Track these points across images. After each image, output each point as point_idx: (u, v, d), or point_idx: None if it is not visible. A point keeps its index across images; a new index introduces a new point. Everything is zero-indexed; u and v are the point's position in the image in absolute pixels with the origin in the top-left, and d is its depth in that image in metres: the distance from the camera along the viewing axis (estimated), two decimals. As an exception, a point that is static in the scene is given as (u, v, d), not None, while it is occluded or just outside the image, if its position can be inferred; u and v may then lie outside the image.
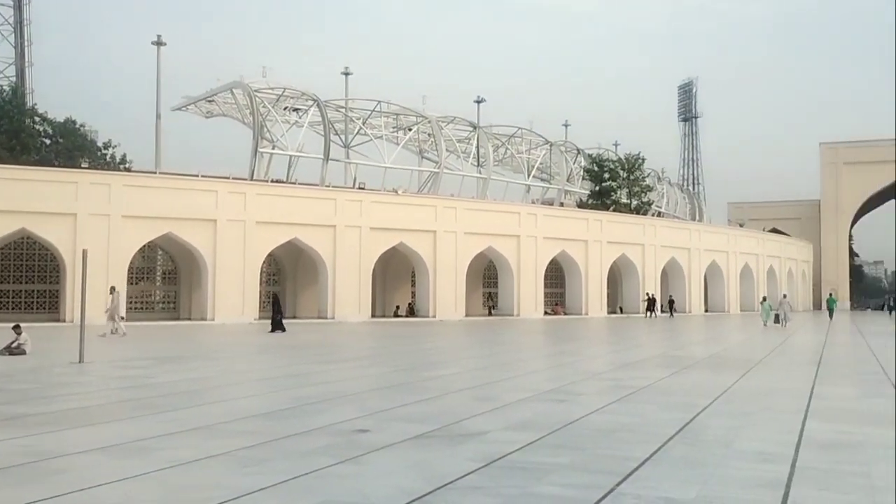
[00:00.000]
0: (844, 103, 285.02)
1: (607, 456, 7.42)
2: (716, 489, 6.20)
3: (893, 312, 49.68)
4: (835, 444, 8.09)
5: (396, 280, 47.68)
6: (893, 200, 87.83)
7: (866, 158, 76.26)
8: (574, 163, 61.43)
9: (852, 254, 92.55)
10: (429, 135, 52.64)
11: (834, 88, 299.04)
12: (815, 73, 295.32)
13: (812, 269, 75.52)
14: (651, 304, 46.35)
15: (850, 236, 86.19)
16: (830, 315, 49.27)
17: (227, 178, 39.42)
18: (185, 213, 34.62)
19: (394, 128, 52.86)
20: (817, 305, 73.91)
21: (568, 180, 58.74)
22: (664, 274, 52.89)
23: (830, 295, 61.67)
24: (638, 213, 56.44)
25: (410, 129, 51.95)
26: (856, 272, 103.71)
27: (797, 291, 68.11)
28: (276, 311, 28.81)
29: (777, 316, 34.10)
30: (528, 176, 54.72)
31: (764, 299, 36.66)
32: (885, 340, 27.02)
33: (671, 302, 48.22)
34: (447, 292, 41.06)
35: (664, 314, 47.54)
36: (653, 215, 59.64)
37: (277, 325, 28.02)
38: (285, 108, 47.81)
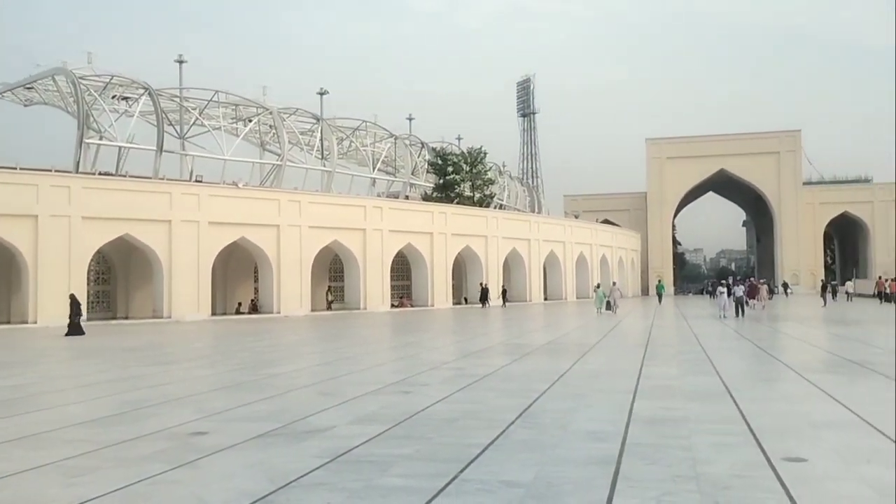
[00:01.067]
0: (669, 101, 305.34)
1: (451, 444, 7.53)
2: (552, 469, 6.44)
3: (712, 297, 53.70)
4: (661, 420, 8.63)
5: (238, 276, 46.25)
6: (711, 192, 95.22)
7: (687, 153, 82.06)
8: (418, 156, 62.00)
9: (675, 242, 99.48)
10: (270, 126, 51.30)
11: (662, 87, 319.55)
12: (644, 72, 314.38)
13: (640, 257, 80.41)
14: (484, 294, 47.52)
15: (674, 226, 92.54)
16: (660, 300, 53.62)
17: (50, 170, 36.57)
18: (1, 208, 31.87)
19: (233, 119, 51.10)
20: (645, 291, 78.87)
21: (413, 173, 59.20)
22: (506, 264, 54.54)
23: (659, 281, 66.55)
24: (481, 205, 57.83)
25: (251, 121, 50.43)
26: (679, 259, 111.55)
27: (627, 278, 72.33)
28: (73, 313, 26.03)
29: (608, 303, 35.41)
30: (373, 169, 54.67)
31: (597, 287, 38.11)
32: (704, 322, 29.25)
33: (504, 291, 49.55)
34: (292, 287, 40.30)
35: (497, 304, 48.91)
36: (495, 208, 61.26)
37: (75, 329, 25.47)
38: (114, 97, 44.98)
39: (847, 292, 53.88)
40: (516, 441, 7.63)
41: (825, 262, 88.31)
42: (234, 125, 51.02)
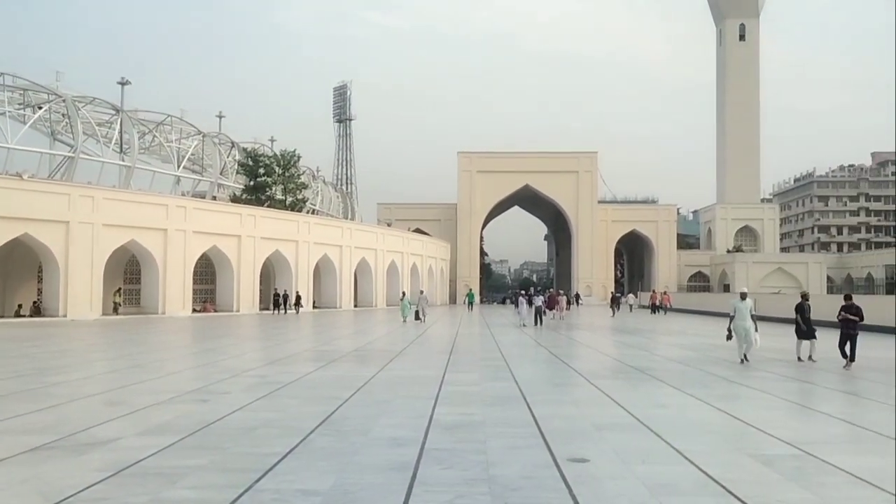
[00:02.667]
0: (482, 116, 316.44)
1: (248, 454, 7.31)
2: (351, 477, 6.42)
3: (515, 306, 56.12)
4: (459, 425, 8.87)
5: (20, 276, 42.25)
6: (517, 206, 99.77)
7: (496, 168, 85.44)
8: (228, 156, 59.90)
9: (483, 253, 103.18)
10: (63, 115, 47.47)
11: (477, 102, 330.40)
12: (460, 86, 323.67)
13: (449, 266, 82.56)
14: (277, 299, 46.44)
15: (482, 237, 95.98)
16: (470, 308, 57.11)
17: None
18: None
19: (20, 104, 46.77)
20: (453, 300, 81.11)
21: (221, 173, 57.08)
22: (317, 270, 53.92)
23: (470, 291, 68.98)
24: (293, 209, 56.80)
25: (41, 108, 46.38)
26: (486, 269, 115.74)
27: (437, 287, 74.03)
28: None
29: (416, 312, 35.45)
30: (178, 167, 52.03)
31: (403, 295, 38.01)
32: (506, 330, 30.51)
33: (298, 298, 48.10)
34: (81, 289, 37.30)
35: (309, 309, 48.07)
36: (307, 212, 60.48)
37: None
38: None
39: (629, 304, 58.44)
40: (316, 449, 7.54)
41: (616, 275, 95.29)
42: (22, 111, 46.71)
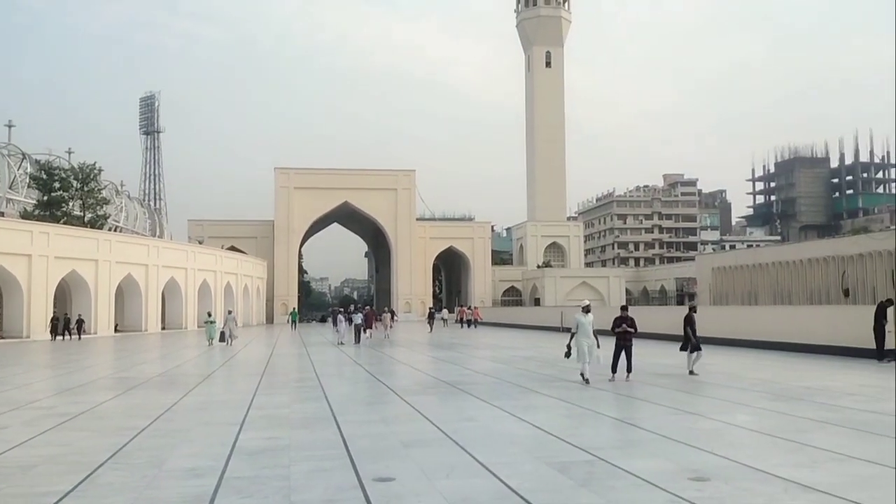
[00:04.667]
0: (299, 134, 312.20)
1: (21, 494, 6.63)
2: (137, 514, 5.96)
3: (334, 324, 55.48)
4: (263, 450, 8.54)
5: None
6: (336, 223, 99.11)
7: (315, 185, 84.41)
8: (19, 168, 55.02)
9: (302, 271, 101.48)
10: None
11: (291, 119, 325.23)
12: (275, 104, 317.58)
13: (266, 284, 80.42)
14: (56, 324, 41.82)
15: (300, 255, 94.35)
16: (294, 326, 58.06)
17: None
18: None
19: None
20: (270, 319, 79.02)
21: (11, 187, 52.30)
22: (120, 290, 50.56)
23: (293, 309, 67.98)
24: (93, 226, 52.98)
25: None
26: (304, 287, 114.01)
27: (252, 306, 71.80)
28: None
29: (223, 333, 32.37)
30: (-42, 179, 47.11)
31: (209, 316, 35.06)
32: (323, 349, 30.10)
33: (80, 322, 43.69)
34: None
35: (108, 334, 43.56)
36: (110, 229, 56.61)
37: None
38: None
39: (443, 319, 59.88)
40: (103, 485, 6.97)
41: (434, 291, 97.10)
42: None
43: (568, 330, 16.50)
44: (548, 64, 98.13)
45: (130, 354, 28.98)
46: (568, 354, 15.36)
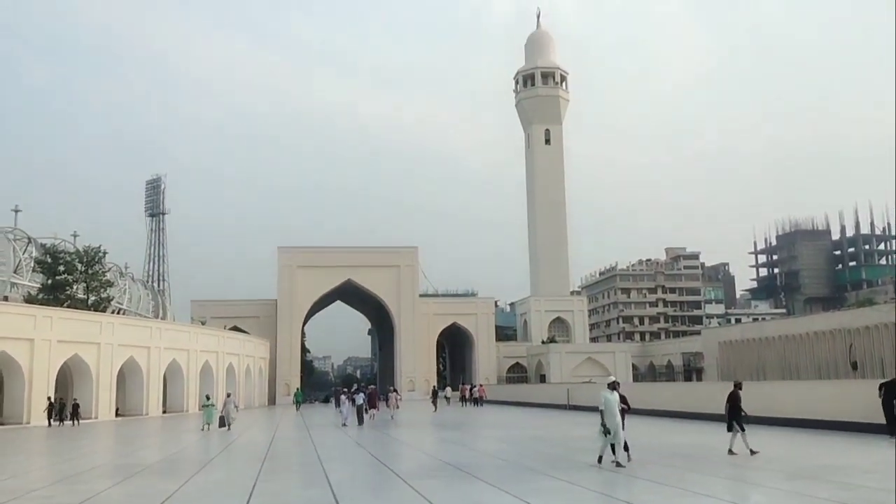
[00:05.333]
0: (301, 212, 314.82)
1: None
2: None
3: (337, 405, 54.80)
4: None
5: None
6: (339, 301, 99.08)
7: (317, 263, 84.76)
8: (24, 252, 55.36)
9: (305, 350, 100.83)
10: None
11: (293, 198, 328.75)
12: (277, 183, 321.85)
13: (269, 365, 79.78)
14: (52, 409, 40.55)
15: (303, 333, 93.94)
16: (297, 407, 57.84)
17: None
18: None
19: None
20: (273, 400, 78.08)
21: (16, 271, 52.53)
22: (122, 374, 50.17)
23: (297, 390, 67.41)
24: (97, 309, 52.94)
25: None
26: (307, 367, 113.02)
27: (255, 387, 71.04)
28: None
29: (222, 418, 31.12)
30: (-36, 264, 47.34)
31: (207, 399, 33.62)
32: (326, 431, 29.64)
33: (75, 406, 42.35)
34: None
35: (69, 421, 41.56)
36: (113, 312, 56.58)
37: None
38: None
39: (446, 397, 59.17)
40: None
41: (438, 368, 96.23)
42: None
43: (575, 408, 16.33)
44: (547, 141, 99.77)
45: (130, 440, 28.55)
46: (606, 432, 14.08)
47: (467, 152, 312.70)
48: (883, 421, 19.34)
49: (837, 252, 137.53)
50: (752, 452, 15.46)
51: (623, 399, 15.10)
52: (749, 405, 27.03)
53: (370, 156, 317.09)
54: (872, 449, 16.72)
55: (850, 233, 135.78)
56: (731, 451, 15.81)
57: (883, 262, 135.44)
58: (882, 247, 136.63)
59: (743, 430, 15.82)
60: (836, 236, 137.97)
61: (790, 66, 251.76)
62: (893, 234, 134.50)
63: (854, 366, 50.40)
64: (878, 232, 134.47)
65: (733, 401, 16.13)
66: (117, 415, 48.28)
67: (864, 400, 19.53)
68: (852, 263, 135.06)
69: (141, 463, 18.34)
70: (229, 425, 30.86)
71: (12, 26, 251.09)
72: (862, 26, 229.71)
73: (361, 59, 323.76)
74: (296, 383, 79.61)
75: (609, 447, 14.17)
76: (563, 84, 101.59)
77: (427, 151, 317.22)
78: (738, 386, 16.70)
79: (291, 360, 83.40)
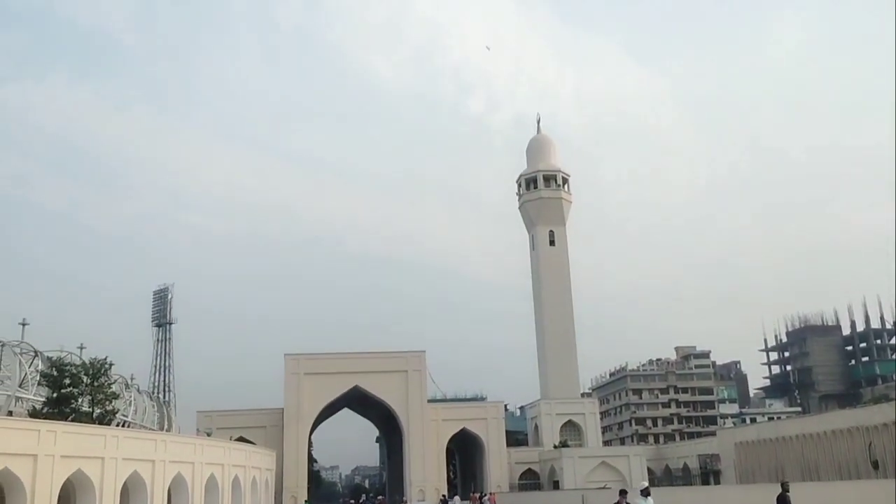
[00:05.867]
0: (307, 321, 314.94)
1: None
2: None
3: None
4: None
5: None
6: (346, 409, 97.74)
7: (324, 370, 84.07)
8: (30, 366, 55.13)
9: (312, 459, 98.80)
10: None
11: (300, 307, 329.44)
12: (283, 292, 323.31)
13: (275, 476, 77.96)
14: None
15: (310, 443, 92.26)
16: None
17: None
18: None
19: None
20: (278, 513, 76.00)
21: (21, 385, 52.13)
22: (125, 489, 49.02)
23: (305, 501, 66.18)
24: (101, 422, 52.25)
25: None
26: (315, 477, 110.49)
27: (261, 500, 69.18)
28: None
29: None
30: (-30, 379, 47.09)
31: None
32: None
33: None
34: None
35: None
36: (118, 425, 55.80)
37: None
38: None
39: (455, 505, 57.62)
40: None
41: (448, 476, 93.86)
42: None
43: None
44: (552, 243, 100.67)
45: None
46: None
47: (472, 258, 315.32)
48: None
49: (849, 347, 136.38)
50: None
51: None
52: (770, 510, 26.25)
53: (372, 264, 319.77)
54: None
55: (860, 327, 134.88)
56: None
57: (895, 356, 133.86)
58: (893, 341, 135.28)
59: None
60: (846, 331, 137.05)
61: (791, 167, 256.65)
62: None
63: (875, 465, 49.05)
64: (888, 326, 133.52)
65: (783, 502, 15.30)
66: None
67: (885, 499, 18.97)
68: (865, 359, 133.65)
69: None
70: None
71: (23, 144, 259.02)
72: (859, 114, 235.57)
73: (363, 167, 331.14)
74: (303, 495, 77.66)
75: None
76: (566, 186, 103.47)
77: (432, 258, 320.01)
78: (785, 487, 15.92)
79: (298, 471, 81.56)
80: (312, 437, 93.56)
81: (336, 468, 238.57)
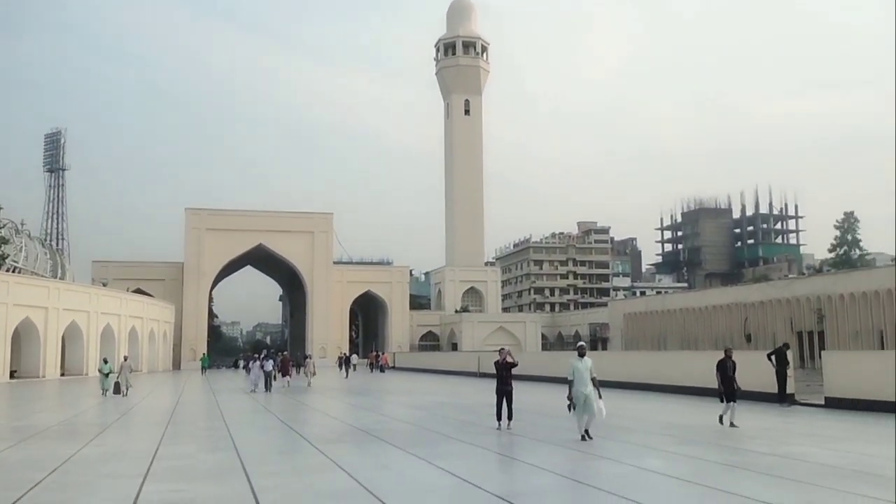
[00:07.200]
0: (212, 177, 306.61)
1: None
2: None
3: (246, 371, 53.88)
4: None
5: None
6: (249, 266, 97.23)
7: (227, 226, 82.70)
8: None
9: (212, 315, 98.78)
10: None
11: (203, 162, 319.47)
12: (187, 146, 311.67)
13: (174, 329, 77.74)
14: None
15: (211, 298, 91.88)
16: (203, 372, 57.90)
17: None
18: None
19: None
20: (177, 365, 76.25)
21: None
22: (17, 335, 47.97)
23: (204, 355, 66.48)
24: (-10, 267, 50.29)
25: None
26: (214, 332, 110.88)
27: (159, 352, 69.22)
28: None
29: (117, 384, 28.68)
30: None
31: (105, 362, 30.39)
32: (234, 397, 29.22)
33: None
34: None
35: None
36: (8, 270, 53.87)
37: None
38: None
39: (353, 364, 59.12)
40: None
41: (351, 336, 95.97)
42: None
43: (485, 375, 16.24)
44: (467, 112, 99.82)
45: (25, 402, 27.42)
46: (571, 408, 13.01)
47: (387, 122, 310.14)
48: (775, 390, 20.43)
49: (738, 230, 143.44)
50: (733, 425, 14.62)
51: (510, 366, 15.04)
52: (649, 373, 28.11)
53: (282, 122, 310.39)
54: (763, 416, 17.61)
55: (749, 212, 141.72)
56: (732, 424, 14.69)
57: (779, 240, 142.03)
58: (779, 226, 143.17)
59: (734, 399, 14.77)
60: (737, 215, 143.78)
61: (708, 56, 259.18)
62: (791, 214, 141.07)
63: (748, 338, 52.95)
64: (775, 212, 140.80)
65: (723, 370, 15.12)
66: (12, 377, 46.30)
67: (756, 370, 20.51)
68: (751, 241, 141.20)
69: (37, 426, 17.65)
70: (126, 391, 28.70)
71: None
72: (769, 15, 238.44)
73: (282, 26, 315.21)
74: (202, 348, 78.00)
75: (583, 418, 12.92)
76: (485, 55, 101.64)
77: (346, 120, 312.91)
78: (728, 354, 15.44)
79: (198, 325, 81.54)
80: (213, 292, 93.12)
81: (237, 324, 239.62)
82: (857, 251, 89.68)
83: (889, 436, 13.54)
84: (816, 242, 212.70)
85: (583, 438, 12.80)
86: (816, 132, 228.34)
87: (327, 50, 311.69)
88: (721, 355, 15.76)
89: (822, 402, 19.69)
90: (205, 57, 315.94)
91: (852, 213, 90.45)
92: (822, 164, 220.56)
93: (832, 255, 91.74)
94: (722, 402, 15.11)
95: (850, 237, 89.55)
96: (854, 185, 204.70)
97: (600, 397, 12.91)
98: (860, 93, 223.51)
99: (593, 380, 12.94)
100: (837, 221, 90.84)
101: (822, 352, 25.95)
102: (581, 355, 13.15)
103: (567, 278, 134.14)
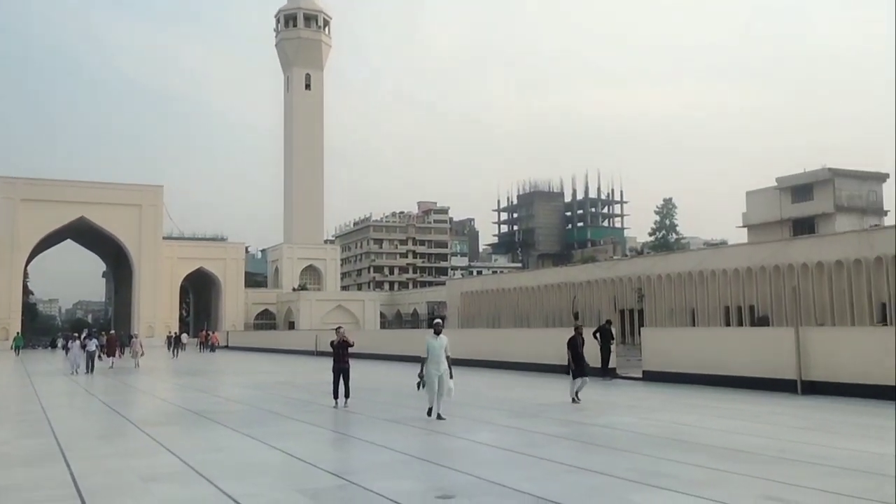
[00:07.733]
0: (26, 146, 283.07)
1: None
2: None
3: (66, 351, 50.44)
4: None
5: None
6: (70, 240, 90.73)
7: (45, 197, 76.55)
8: None
9: (27, 291, 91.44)
10: None
11: (18, 124, 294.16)
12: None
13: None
14: None
15: (26, 273, 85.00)
16: (17, 353, 55.08)
17: None
18: None
19: None
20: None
21: None
22: None
23: (18, 334, 61.84)
24: None
25: None
26: (30, 310, 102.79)
27: (-36, 331, 63.43)
28: None
29: None
30: None
31: None
32: (52, 379, 27.32)
33: None
34: None
35: None
36: None
37: None
38: None
39: (184, 343, 56.96)
40: None
41: (181, 314, 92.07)
42: None
43: (322, 353, 16.15)
44: (307, 86, 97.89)
45: None
46: (420, 385, 12.84)
47: (224, 92, 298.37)
48: (600, 365, 21.71)
49: (569, 213, 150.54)
50: (574, 401, 15.04)
51: (344, 343, 14.94)
52: (484, 350, 29.04)
53: (110, 85, 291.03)
54: (588, 390, 18.65)
55: (580, 196, 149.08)
56: (576, 399, 15.14)
57: (605, 223, 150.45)
58: (606, 210, 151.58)
59: (584, 375, 15.16)
60: (568, 199, 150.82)
61: (543, 44, 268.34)
62: (616, 199, 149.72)
63: (576, 316, 55.80)
64: (603, 196, 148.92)
65: (575, 346, 15.38)
66: None
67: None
68: (580, 224, 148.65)
69: None
70: None
71: None
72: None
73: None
74: (16, 327, 72.17)
75: (436, 397, 12.76)
76: (327, 29, 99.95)
77: (175, 86, 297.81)
78: (577, 330, 15.74)
79: (11, 303, 75.22)
80: (29, 267, 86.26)
81: (55, 302, 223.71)
82: (674, 235, 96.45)
83: (698, 406, 14.79)
84: (639, 226, 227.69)
85: (438, 418, 12.60)
86: (641, 123, 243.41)
87: (158, 9, 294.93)
88: (572, 332, 16.11)
89: (640, 376, 21.13)
90: (22, 10, 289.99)
91: (671, 199, 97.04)
92: (643, 154, 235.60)
93: (652, 238, 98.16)
94: (572, 377, 15.39)
95: (668, 222, 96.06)
96: (672, 174, 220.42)
97: (452, 377, 12.75)
98: (684, 87, 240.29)
99: (448, 358, 12.79)
100: (657, 207, 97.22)
101: (641, 328, 27.87)
102: (437, 333, 12.89)
103: (406, 257, 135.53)
